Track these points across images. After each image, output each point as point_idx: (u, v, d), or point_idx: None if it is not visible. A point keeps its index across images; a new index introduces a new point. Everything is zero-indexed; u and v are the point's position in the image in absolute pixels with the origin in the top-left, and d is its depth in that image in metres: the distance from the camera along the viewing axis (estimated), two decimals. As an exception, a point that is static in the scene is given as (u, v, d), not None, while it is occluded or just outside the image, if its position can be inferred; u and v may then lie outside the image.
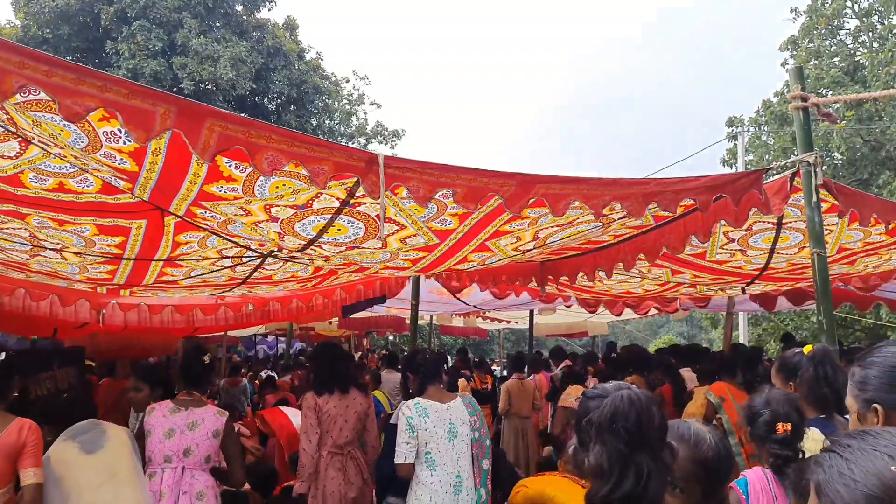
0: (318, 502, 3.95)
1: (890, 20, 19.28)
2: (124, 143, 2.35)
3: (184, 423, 3.49)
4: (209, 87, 20.31)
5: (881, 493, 0.92)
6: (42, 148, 2.56)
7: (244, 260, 4.14)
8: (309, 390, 4.37)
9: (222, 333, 12.50)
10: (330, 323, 16.02)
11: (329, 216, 2.93)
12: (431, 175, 2.59)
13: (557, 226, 3.44)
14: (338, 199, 2.79)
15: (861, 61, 19.38)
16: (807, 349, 3.05)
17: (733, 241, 4.42)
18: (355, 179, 2.63)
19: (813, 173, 3.37)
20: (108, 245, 3.50)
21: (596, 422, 1.50)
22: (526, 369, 8.40)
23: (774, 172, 3.60)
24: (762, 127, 20.89)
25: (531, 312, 12.08)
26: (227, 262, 4.11)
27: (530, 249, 3.83)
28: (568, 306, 11.17)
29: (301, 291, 6.19)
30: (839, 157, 18.75)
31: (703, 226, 3.74)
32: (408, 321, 6.73)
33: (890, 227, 4.04)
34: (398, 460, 3.40)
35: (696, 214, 3.80)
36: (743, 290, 6.48)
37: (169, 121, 2.12)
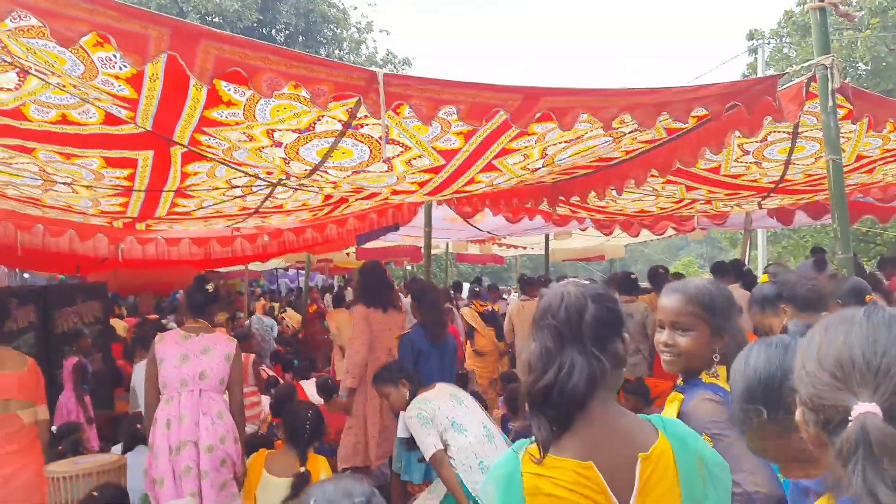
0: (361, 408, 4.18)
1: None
2: (120, 68, 2.32)
3: (197, 349, 3.55)
4: (215, 19, 19.93)
5: None
6: (40, 78, 2.54)
7: (254, 189, 4.14)
8: (357, 303, 4.69)
9: (243, 268, 12.70)
10: (347, 254, 16.15)
11: (332, 139, 2.90)
12: (433, 92, 2.54)
13: (565, 142, 3.39)
14: (340, 121, 2.75)
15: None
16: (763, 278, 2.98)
17: (748, 153, 4.34)
18: (356, 99, 2.60)
19: (829, 77, 3.25)
20: (118, 178, 3.51)
21: (534, 319, 1.45)
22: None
23: (790, 79, 3.49)
24: (784, 39, 20.15)
25: (546, 237, 12.06)
26: (238, 192, 4.13)
27: (539, 168, 3.79)
28: (583, 229, 11.17)
29: (314, 221, 6.22)
30: (863, 67, 18.11)
31: (716, 137, 3.66)
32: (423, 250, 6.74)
33: (910, 132, 3.94)
34: (430, 452, 3.33)
35: (709, 126, 3.71)
36: (759, 205, 6.39)
37: (163, 44, 2.09)
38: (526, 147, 3.35)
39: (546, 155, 3.54)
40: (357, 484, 1.32)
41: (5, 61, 2.43)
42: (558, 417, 1.36)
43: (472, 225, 8.57)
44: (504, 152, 3.34)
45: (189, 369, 3.50)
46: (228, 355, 3.61)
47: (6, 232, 5.13)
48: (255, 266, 16.39)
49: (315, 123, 2.75)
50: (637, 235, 10.29)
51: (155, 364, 3.56)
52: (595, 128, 3.26)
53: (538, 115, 2.78)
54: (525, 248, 16.28)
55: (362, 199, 4.78)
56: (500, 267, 39.03)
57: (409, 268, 26.89)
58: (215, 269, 15.53)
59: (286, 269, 22.87)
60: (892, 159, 4.57)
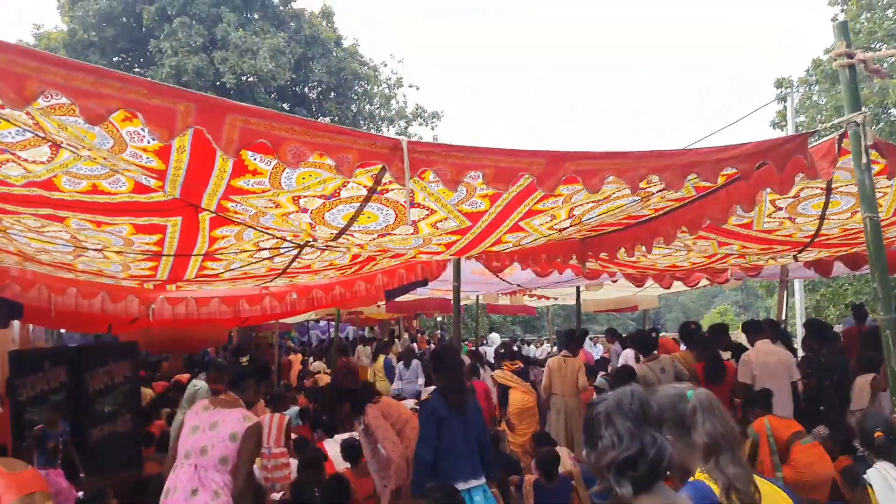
0: None
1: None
2: (148, 142, 2.36)
3: (208, 422, 3.52)
4: (250, 79, 20.54)
5: None
6: (72, 151, 2.60)
7: (282, 251, 4.16)
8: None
9: (274, 321, 12.78)
10: (378, 306, 16.17)
11: (358, 204, 2.90)
12: (457, 158, 2.54)
13: (593, 202, 3.35)
14: (365, 186, 2.76)
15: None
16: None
17: (780, 209, 4.24)
18: (381, 166, 2.61)
19: (862, 134, 3.18)
20: (147, 243, 3.56)
21: (603, 411, 1.70)
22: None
23: (823, 134, 3.43)
24: (813, 87, 20.06)
25: (577, 288, 11.93)
26: (266, 254, 4.15)
27: (566, 228, 3.75)
28: (614, 281, 11.03)
29: (343, 278, 6.23)
30: (896, 112, 17.88)
31: (747, 195, 3.59)
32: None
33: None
34: None
35: (740, 183, 3.64)
36: (795, 258, 6.23)
37: (190, 118, 2.12)
38: (553, 208, 3.32)
39: (573, 215, 3.50)
40: None
41: (38, 136, 2.49)
42: (642, 482, 1.62)
43: (501, 279, 8.52)
44: (531, 213, 3.31)
45: (195, 442, 3.49)
46: (234, 434, 3.50)
47: (40, 295, 5.23)
48: (287, 318, 16.51)
49: (340, 189, 2.76)
50: (669, 287, 10.15)
51: (180, 428, 3.55)
52: (622, 188, 3.22)
53: (564, 178, 2.76)
54: (556, 298, 16.12)
55: (390, 257, 4.77)
56: (531, 317, 38.77)
57: (439, 319, 26.82)
58: (244, 326, 15.75)
59: (317, 321, 22.95)
60: (932, 213, 4.43)
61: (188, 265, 4.07)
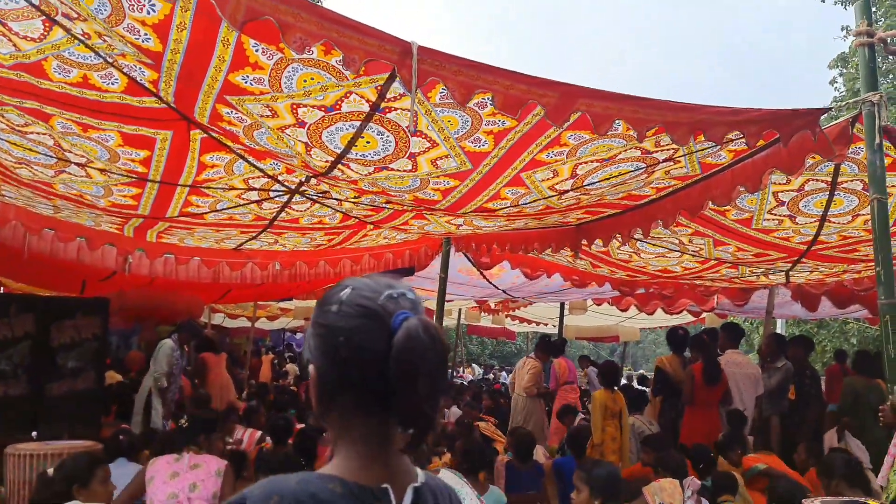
0: None
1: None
2: (148, 12, 2.25)
3: (186, 466, 3.59)
4: None
5: None
6: (66, 30, 2.48)
7: (271, 195, 4.03)
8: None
9: (250, 325, 12.46)
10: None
11: (358, 123, 2.79)
12: (467, 76, 2.44)
13: (597, 160, 3.26)
14: (368, 100, 2.65)
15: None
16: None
17: (783, 203, 4.18)
18: (386, 76, 2.51)
19: (877, 114, 3.14)
20: (133, 160, 3.41)
21: None
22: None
23: (836, 115, 3.39)
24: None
25: (561, 308, 11.84)
26: (255, 195, 4.01)
27: (567, 191, 3.65)
28: (598, 303, 10.93)
29: (328, 252, 6.09)
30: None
31: (753, 175, 3.51)
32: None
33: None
34: None
35: (746, 164, 3.59)
36: (787, 277, 6.17)
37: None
38: (556, 161, 3.22)
39: (576, 175, 3.41)
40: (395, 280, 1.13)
41: (32, 4, 2.37)
42: None
43: (488, 281, 8.40)
44: (533, 164, 3.22)
45: (179, 483, 3.51)
46: (219, 470, 3.62)
47: (14, 234, 5.03)
48: (262, 324, 16.18)
49: (342, 101, 2.65)
50: (653, 313, 10.07)
51: (138, 483, 3.59)
52: (629, 147, 3.15)
53: (574, 116, 2.68)
54: (538, 323, 15.99)
55: (381, 221, 4.65)
56: (509, 350, 38.50)
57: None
58: (223, 326, 15.40)
59: (294, 332, 22.60)
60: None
61: (173, 197, 3.92)
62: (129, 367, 9.20)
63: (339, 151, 3.03)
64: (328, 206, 4.32)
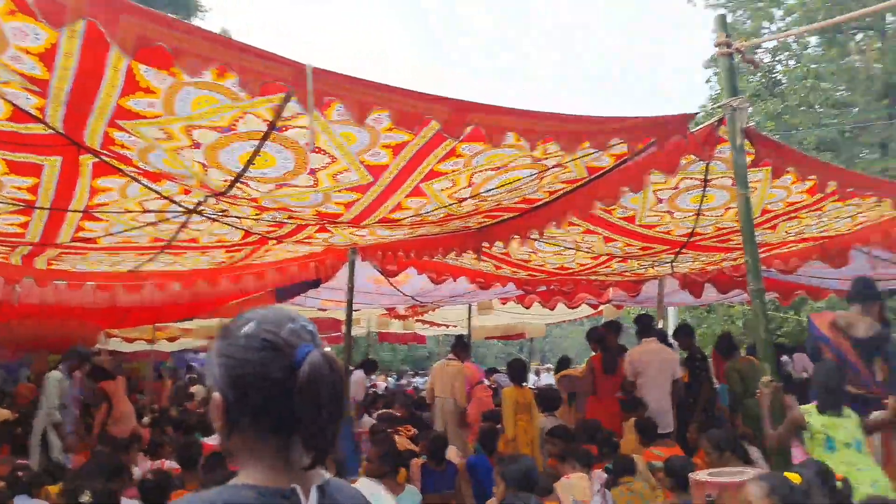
0: None
1: (803, 40, 20.37)
2: (33, 41, 2.21)
3: None
4: None
5: None
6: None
7: (168, 216, 3.97)
8: None
9: (150, 349, 11.92)
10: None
11: (255, 142, 2.82)
12: (363, 94, 2.53)
13: (493, 169, 3.43)
14: (265, 120, 2.69)
15: (777, 77, 20.47)
16: None
17: (661, 200, 4.51)
18: (282, 96, 2.56)
19: (737, 117, 3.47)
20: (20, 188, 3.29)
21: None
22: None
23: (703, 119, 3.71)
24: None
25: (469, 310, 12.08)
26: (151, 217, 3.93)
27: (466, 199, 3.81)
28: (504, 302, 11.23)
29: (230, 269, 6.00)
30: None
31: (635, 176, 3.79)
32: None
33: (808, 185, 4.21)
34: None
35: (629, 166, 3.86)
36: (672, 267, 6.62)
37: (84, 8, 2.02)
38: (453, 172, 3.37)
39: (473, 183, 3.57)
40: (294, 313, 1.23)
41: None
42: None
43: (395, 288, 8.48)
44: (432, 175, 3.35)
45: None
46: None
47: None
48: (163, 346, 15.54)
49: (237, 121, 2.67)
50: (554, 308, 10.46)
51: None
52: (520, 156, 3.33)
53: (468, 129, 2.82)
54: (447, 325, 16.21)
55: (283, 236, 4.65)
56: (421, 355, 38.66)
57: (327, 349, 25.91)
58: (119, 351, 14.67)
59: (196, 352, 21.79)
60: (794, 215, 4.85)
61: (63, 223, 3.78)
62: (18, 400, 8.69)
63: (237, 171, 3.04)
64: (228, 225, 4.29)
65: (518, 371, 6.74)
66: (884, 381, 4.51)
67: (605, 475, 4.04)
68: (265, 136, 2.79)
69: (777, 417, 3.55)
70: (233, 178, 3.11)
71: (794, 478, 2.39)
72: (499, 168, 3.45)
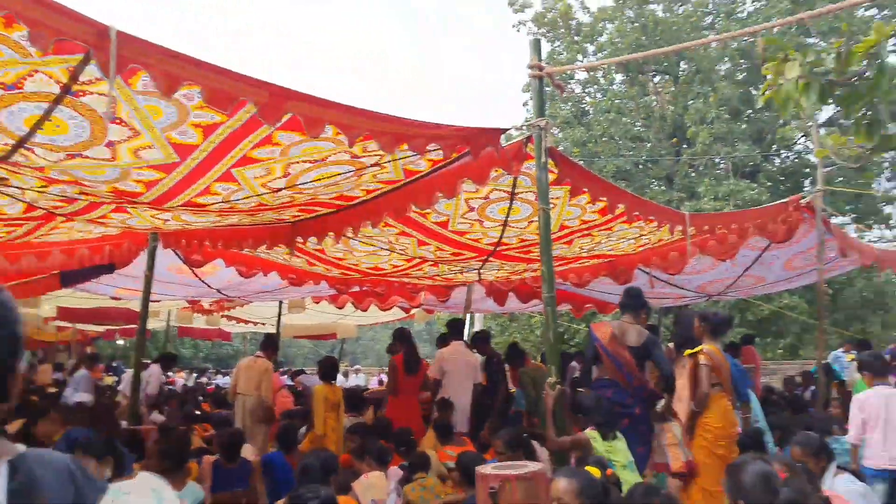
0: None
1: (610, 76, 22.39)
2: None
3: None
4: None
5: None
6: None
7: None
8: None
9: None
10: (46, 322, 14.05)
11: (46, 104, 2.56)
12: (173, 66, 2.38)
13: (310, 161, 3.39)
14: (58, 81, 2.45)
15: (586, 108, 22.32)
16: None
17: (473, 209, 4.73)
18: (80, 58, 2.34)
19: (543, 137, 3.74)
20: None
21: None
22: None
23: (513, 136, 3.96)
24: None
25: (280, 306, 11.77)
26: None
27: (280, 189, 3.72)
28: (317, 300, 11.09)
29: (6, 248, 5.35)
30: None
31: (448, 183, 3.93)
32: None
33: (600, 205, 4.64)
34: None
35: (444, 172, 4.01)
36: (479, 275, 6.96)
37: None
38: (269, 160, 3.28)
39: (288, 174, 3.50)
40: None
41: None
42: None
43: (200, 279, 8.04)
44: (245, 161, 3.23)
45: None
46: None
47: None
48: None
49: (25, 80, 2.41)
50: (367, 309, 10.53)
51: None
52: (339, 151, 3.32)
53: (286, 117, 2.76)
54: (256, 322, 15.65)
55: (74, 213, 4.24)
56: (225, 353, 36.93)
57: (120, 342, 23.95)
58: None
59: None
60: (587, 233, 5.32)
61: None
62: None
63: (21, 134, 2.73)
64: (7, 195, 3.83)
65: (329, 369, 6.75)
66: (656, 383, 5.09)
67: (402, 472, 4.14)
68: (57, 100, 2.53)
69: (559, 418, 3.89)
70: (15, 143, 2.79)
71: (595, 472, 2.63)
72: (316, 161, 3.42)
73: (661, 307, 12.83)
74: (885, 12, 17.68)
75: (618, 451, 3.88)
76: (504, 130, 3.75)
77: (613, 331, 4.89)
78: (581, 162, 19.32)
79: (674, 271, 6.23)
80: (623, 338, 4.81)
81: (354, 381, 20.85)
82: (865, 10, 17.53)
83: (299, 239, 4.98)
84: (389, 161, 3.64)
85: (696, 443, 4.55)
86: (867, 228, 20.29)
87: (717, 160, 18.72)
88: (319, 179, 3.70)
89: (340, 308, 11.45)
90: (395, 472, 4.43)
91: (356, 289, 8.34)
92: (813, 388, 8.90)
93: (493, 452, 4.94)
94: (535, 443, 4.73)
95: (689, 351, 4.85)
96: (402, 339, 6.83)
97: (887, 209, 20.90)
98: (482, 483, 2.65)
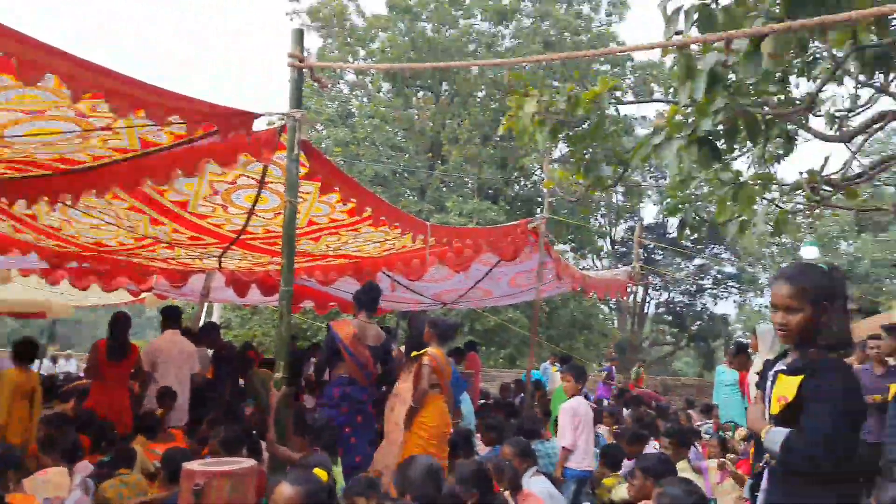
0: None
1: (377, 83, 22.87)
2: None
3: None
4: None
5: None
6: None
7: None
8: None
9: None
10: None
11: None
12: None
13: (24, 112, 2.96)
14: None
15: (352, 110, 22.53)
16: None
17: (217, 192, 4.50)
18: None
19: (297, 128, 3.68)
20: None
21: None
22: None
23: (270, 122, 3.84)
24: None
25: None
26: None
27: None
28: (24, 274, 9.70)
29: None
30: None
31: (190, 161, 3.68)
32: None
33: (350, 206, 4.68)
34: None
35: (186, 149, 3.75)
36: (220, 262, 6.62)
37: None
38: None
39: (-7, 122, 3.02)
40: None
41: None
42: None
43: None
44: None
45: None
46: None
47: None
48: None
49: None
50: (86, 289, 9.45)
51: None
52: (61, 105, 2.95)
53: (-2, 54, 2.38)
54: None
55: None
56: None
57: None
58: None
59: None
60: (335, 231, 5.33)
61: None
62: None
63: None
64: None
65: (24, 350, 5.91)
66: (375, 380, 5.30)
67: (92, 467, 3.77)
68: None
69: (284, 413, 3.85)
70: None
71: (322, 475, 2.56)
72: (32, 113, 3.00)
73: (400, 311, 13.38)
74: (616, 69, 20.50)
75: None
76: (258, 115, 3.61)
77: (356, 330, 4.98)
78: (342, 162, 19.59)
79: (414, 277, 6.52)
80: (364, 337, 4.95)
81: (66, 367, 18.60)
82: (600, 64, 20.15)
83: (3, 200, 4.30)
84: (124, 127, 3.31)
85: (411, 440, 4.78)
86: (582, 257, 23.23)
87: (466, 179, 20.05)
88: (35, 135, 3.24)
89: (54, 285, 10.16)
90: (84, 467, 4.01)
91: (74, 264, 7.44)
92: (522, 394, 9.89)
93: (206, 450, 4.73)
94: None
95: (415, 353, 5.10)
96: (113, 323, 6.25)
97: (600, 242, 24.13)
98: (187, 481, 2.50)
